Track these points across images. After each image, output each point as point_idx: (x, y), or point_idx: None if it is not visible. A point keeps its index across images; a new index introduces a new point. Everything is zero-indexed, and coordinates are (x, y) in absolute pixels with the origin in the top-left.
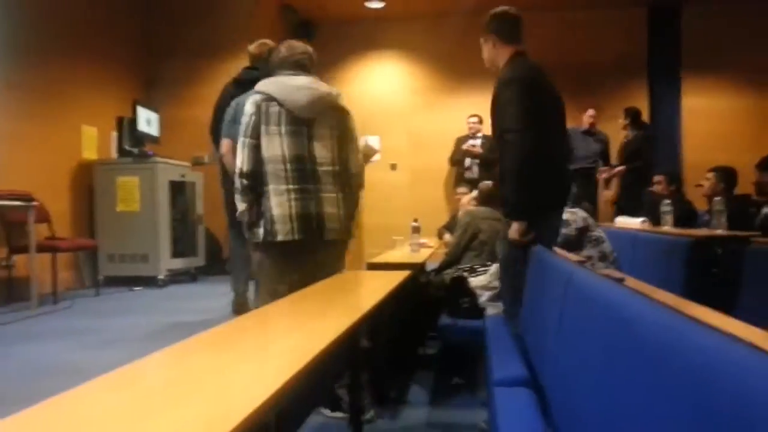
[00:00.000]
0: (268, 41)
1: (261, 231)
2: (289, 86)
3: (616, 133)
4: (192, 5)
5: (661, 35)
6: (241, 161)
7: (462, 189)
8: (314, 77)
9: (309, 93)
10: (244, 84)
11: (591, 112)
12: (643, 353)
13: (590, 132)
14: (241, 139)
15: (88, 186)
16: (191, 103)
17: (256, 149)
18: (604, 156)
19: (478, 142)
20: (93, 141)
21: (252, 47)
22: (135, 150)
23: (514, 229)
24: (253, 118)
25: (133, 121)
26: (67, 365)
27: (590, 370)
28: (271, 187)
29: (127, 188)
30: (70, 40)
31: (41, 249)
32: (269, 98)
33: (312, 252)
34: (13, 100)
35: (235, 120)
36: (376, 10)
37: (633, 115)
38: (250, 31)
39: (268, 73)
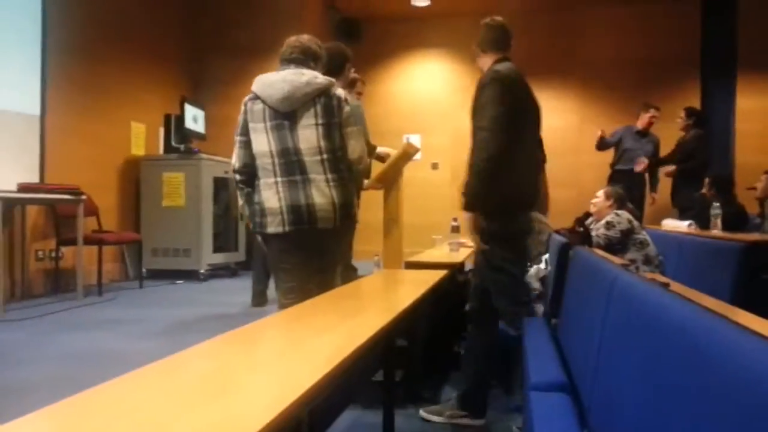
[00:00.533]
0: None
1: (256, 223)
2: (267, 82)
3: (671, 132)
4: (239, 5)
5: (716, 31)
6: (235, 158)
7: None
8: (300, 69)
9: (284, 87)
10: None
11: (653, 111)
12: (690, 361)
13: (643, 133)
14: (234, 138)
15: (135, 181)
16: (236, 101)
17: (247, 146)
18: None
19: None
20: (141, 137)
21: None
22: (181, 146)
23: (467, 217)
24: (242, 117)
25: (181, 118)
26: (110, 354)
27: (632, 377)
28: (262, 181)
29: (172, 184)
30: (122, 39)
31: (88, 242)
32: (254, 97)
33: (307, 242)
34: (67, 95)
35: None
36: (421, 8)
37: (697, 114)
38: (296, 31)
39: None
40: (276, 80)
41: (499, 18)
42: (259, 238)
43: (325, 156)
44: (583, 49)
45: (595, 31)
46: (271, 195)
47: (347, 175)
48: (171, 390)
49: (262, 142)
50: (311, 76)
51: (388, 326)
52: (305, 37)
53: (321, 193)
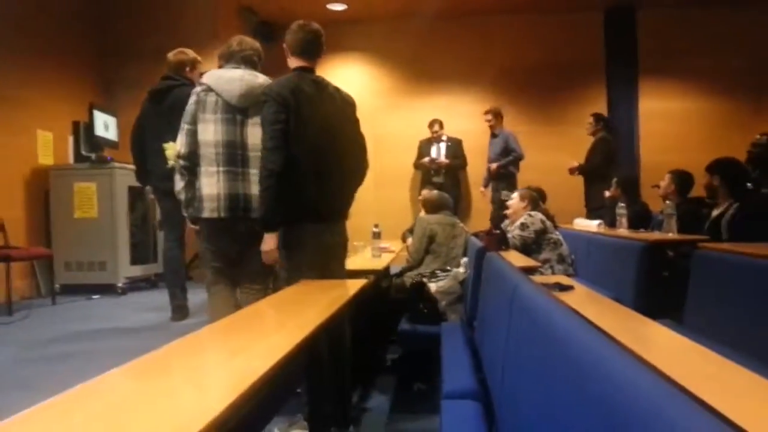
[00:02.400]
0: (186, 50)
1: (193, 208)
2: (226, 78)
3: (580, 136)
4: (151, 7)
5: (617, 39)
6: (180, 144)
7: (425, 192)
8: (252, 71)
9: (242, 84)
10: (158, 94)
11: (486, 115)
12: (570, 373)
13: (494, 134)
14: (182, 126)
15: (44, 192)
16: None
17: (193, 134)
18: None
19: (443, 146)
20: (49, 146)
21: (171, 55)
22: (92, 155)
23: (265, 240)
24: (193, 106)
25: (90, 125)
26: (18, 381)
27: (530, 385)
28: (203, 169)
29: (84, 194)
30: (24, 43)
31: None
32: (208, 89)
33: (237, 228)
34: None
35: None
36: (337, 12)
37: (604, 119)
38: (210, 33)
39: (185, 83)
40: (233, 78)
41: (315, 24)
42: (192, 221)
43: (255, 153)
44: (495, 55)
45: (506, 38)
46: (212, 183)
47: None
48: (72, 426)
49: (209, 132)
50: (264, 80)
51: (305, 341)
52: (250, 39)
53: (255, 186)
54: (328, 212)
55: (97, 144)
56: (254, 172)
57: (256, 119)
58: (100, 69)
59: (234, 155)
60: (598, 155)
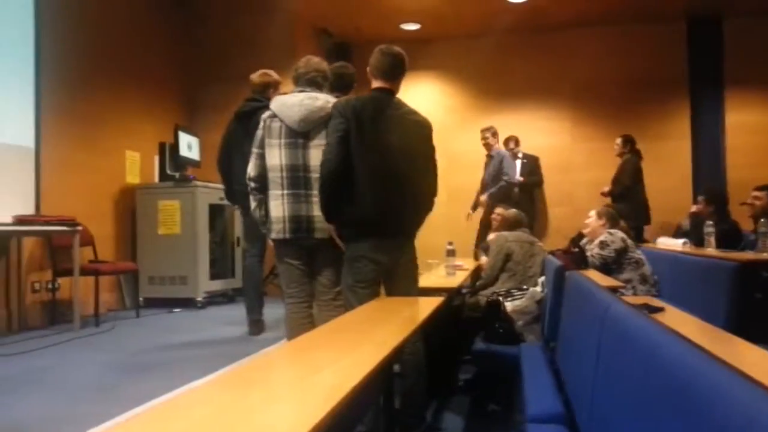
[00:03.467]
0: (270, 72)
1: (266, 228)
2: (287, 104)
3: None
4: (232, 33)
5: (702, 49)
6: (251, 168)
7: (500, 209)
8: (317, 92)
9: (301, 109)
10: (245, 116)
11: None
12: (679, 401)
13: (489, 155)
14: (252, 150)
15: (131, 210)
16: None
17: (261, 158)
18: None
19: (519, 163)
20: (136, 166)
21: (254, 76)
22: (176, 174)
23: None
24: (260, 132)
25: (175, 145)
26: (106, 389)
27: (626, 413)
28: (271, 192)
29: (168, 212)
30: (116, 68)
31: (84, 272)
32: (273, 115)
33: (306, 248)
34: (61, 127)
35: None
36: (411, 31)
37: (631, 141)
38: (288, 54)
39: (268, 104)
40: (294, 103)
41: (396, 48)
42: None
43: (316, 174)
44: (573, 70)
45: (584, 52)
46: (278, 205)
47: None
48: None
49: (275, 157)
50: (324, 101)
51: (385, 360)
52: (316, 60)
53: (317, 208)
54: (387, 231)
55: (181, 163)
56: (317, 194)
57: (317, 141)
58: (185, 92)
59: (297, 178)
60: (627, 177)
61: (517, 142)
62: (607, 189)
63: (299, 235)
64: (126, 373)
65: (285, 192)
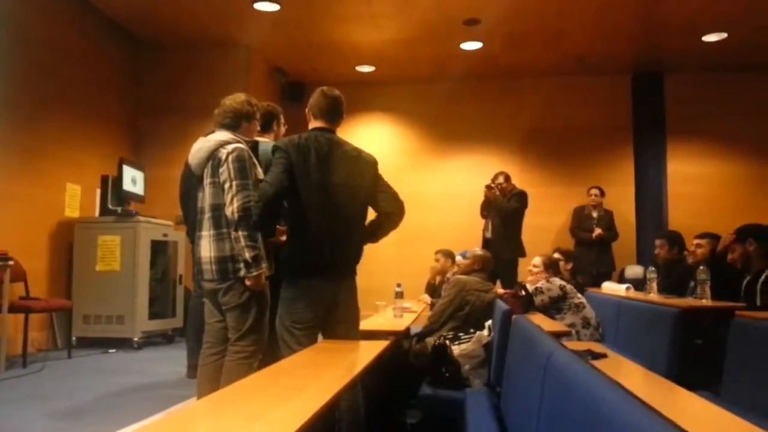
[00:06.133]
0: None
1: None
2: (193, 151)
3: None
4: (185, 66)
5: (645, 100)
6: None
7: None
8: (226, 133)
9: (195, 150)
10: None
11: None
12: None
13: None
14: None
15: (68, 245)
16: (178, 162)
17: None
18: None
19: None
20: (76, 199)
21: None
22: (118, 209)
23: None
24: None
25: (118, 179)
26: None
27: None
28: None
29: (107, 247)
30: (59, 99)
31: (13, 309)
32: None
33: (206, 291)
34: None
35: None
36: (366, 73)
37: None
38: (242, 92)
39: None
40: (196, 146)
41: (335, 90)
42: None
43: (216, 213)
44: (522, 116)
45: (533, 99)
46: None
47: (226, 230)
48: None
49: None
50: (219, 138)
51: (325, 407)
52: (229, 101)
53: (205, 248)
54: (329, 269)
55: (123, 198)
56: (203, 234)
57: (206, 180)
58: (132, 124)
59: (200, 220)
60: (611, 227)
61: (507, 178)
62: (600, 231)
63: (198, 278)
64: (51, 419)
65: (196, 234)
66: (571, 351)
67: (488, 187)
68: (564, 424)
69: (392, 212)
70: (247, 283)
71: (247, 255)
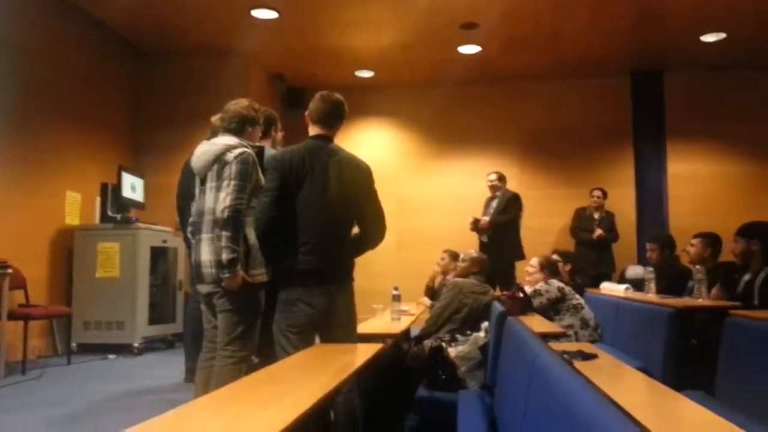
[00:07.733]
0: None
1: None
2: (197, 155)
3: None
4: (184, 74)
5: (645, 101)
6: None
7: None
8: (231, 137)
9: (200, 153)
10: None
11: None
12: None
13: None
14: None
15: (68, 252)
16: (177, 169)
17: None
18: None
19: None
20: (76, 207)
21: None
22: (118, 216)
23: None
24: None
25: (118, 186)
26: None
27: None
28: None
29: (107, 254)
30: (58, 108)
31: (13, 317)
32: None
33: (203, 296)
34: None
35: None
36: (365, 78)
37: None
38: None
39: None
40: (197, 152)
41: (336, 94)
42: None
43: (209, 217)
44: (521, 119)
45: (532, 102)
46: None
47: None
48: None
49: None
50: (224, 143)
51: (311, 410)
52: (232, 106)
53: (205, 252)
54: (326, 277)
55: (123, 205)
56: (204, 237)
57: (209, 183)
58: (132, 132)
59: (201, 223)
60: (613, 228)
61: (501, 179)
62: (601, 232)
63: (196, 284)
64: (51, 425)
65: (195, 237)
66: (558, 352)
67: (473, 225)
68: (546, 424)
69: (371, 234)
70: (222, 284)
71: (224, 256)
